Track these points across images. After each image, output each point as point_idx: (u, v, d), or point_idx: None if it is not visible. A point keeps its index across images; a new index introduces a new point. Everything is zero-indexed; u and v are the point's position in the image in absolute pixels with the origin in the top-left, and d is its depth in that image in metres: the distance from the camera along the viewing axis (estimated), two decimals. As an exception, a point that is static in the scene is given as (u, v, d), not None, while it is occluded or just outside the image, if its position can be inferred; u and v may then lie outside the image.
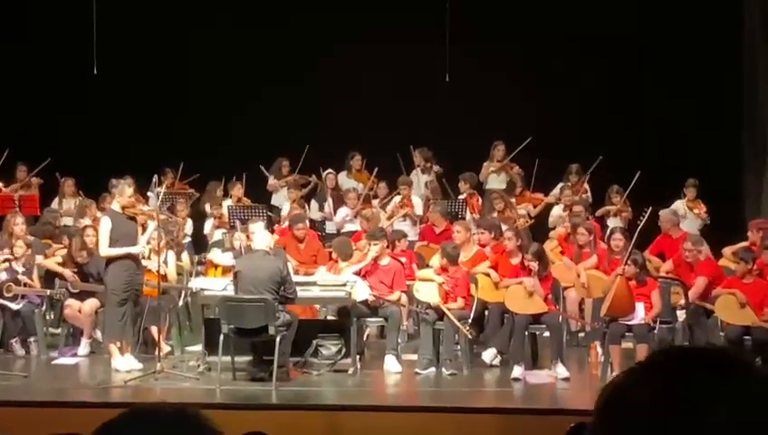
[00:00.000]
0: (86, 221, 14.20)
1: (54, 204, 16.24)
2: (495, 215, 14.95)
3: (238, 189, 16.14)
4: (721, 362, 1.55)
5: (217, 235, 14.96)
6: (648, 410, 1.52)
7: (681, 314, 12.05)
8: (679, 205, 15.31)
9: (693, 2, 17.04)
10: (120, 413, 1.57)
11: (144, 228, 11.69)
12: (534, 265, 11.53)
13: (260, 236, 11.56)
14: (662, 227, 13.87)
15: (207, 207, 16.05)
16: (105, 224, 11.40)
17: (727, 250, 13.08)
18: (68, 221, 15.30)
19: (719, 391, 1.51)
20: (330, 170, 16.77)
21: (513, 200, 15.91)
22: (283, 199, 16.73)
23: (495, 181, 16.58)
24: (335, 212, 16.03)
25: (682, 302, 11.96)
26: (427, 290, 11.79)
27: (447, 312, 11.46)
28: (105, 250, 11.34)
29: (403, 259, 12.92)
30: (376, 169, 16.71)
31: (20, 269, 12.47)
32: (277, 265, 11.04)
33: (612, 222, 15.18)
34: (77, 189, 16.30)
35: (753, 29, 16.86)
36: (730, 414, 1.49)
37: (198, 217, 15.97)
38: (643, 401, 1.52)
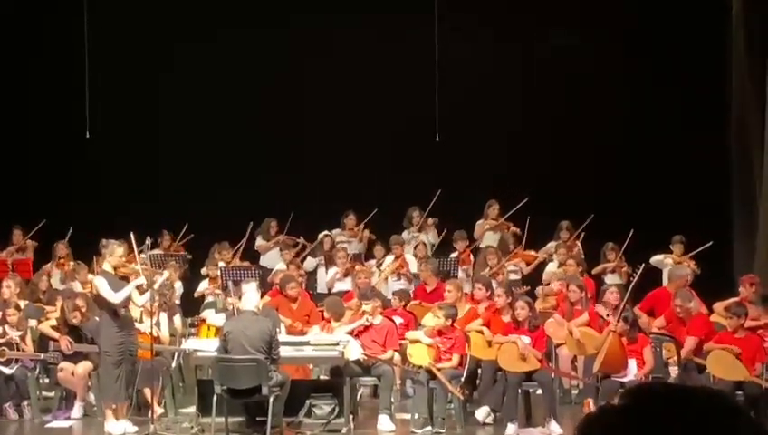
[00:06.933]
0: (76, 285, 14.22)
1: (48, 267, 16.23)
2: (487, 271, 14.99)
3: (226, 253, 16.11)
4: (675, 394, 1.79)
5: (210, 296, 14.96)
6: None
7: (673, 370, 12.06)
8: (661, 259, 15.26)
9: (680, 57, 17.22)
10: None
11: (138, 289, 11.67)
12: (524, 311, 11.59)
13: (248, 297, 11.51)
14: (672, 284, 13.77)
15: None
16: (101, 280, 11.40)
17: (719, 306, 13.06)
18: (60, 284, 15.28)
19: (673, 417, 1.72)
20: (326, 232, 16.80)
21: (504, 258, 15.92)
22: (272, 260, 16.73)
23: (490, 239, 16.63)
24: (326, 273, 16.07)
25: (674, 358, 11.96)
26: (419, 353, 11.81)
27: (438, 373, 11.45)
28: (115, 297, 11.21)
29: (400, 320, 12.97)
30: (363, 225, 16.90)
31: (13, 333, 12.47)
32: (266, 326, 11.03)
33: (610, 279, 15.22)
34: (70, 253, 16.20)
35: (741, 84, 16.98)
36: None
37: (190, 279, 15.97)
38: (609, 431, 1.73)
